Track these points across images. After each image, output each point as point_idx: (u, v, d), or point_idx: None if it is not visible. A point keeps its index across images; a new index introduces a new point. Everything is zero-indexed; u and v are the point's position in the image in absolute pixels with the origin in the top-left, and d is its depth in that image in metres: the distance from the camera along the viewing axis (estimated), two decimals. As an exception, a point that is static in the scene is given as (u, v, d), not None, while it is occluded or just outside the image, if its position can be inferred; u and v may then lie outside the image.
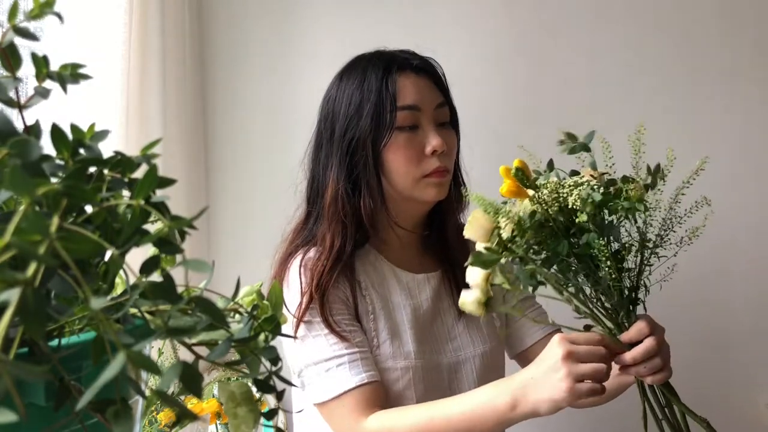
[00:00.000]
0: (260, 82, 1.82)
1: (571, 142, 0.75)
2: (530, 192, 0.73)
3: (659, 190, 0.73)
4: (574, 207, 0.70)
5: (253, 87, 1.82)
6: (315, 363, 0.92)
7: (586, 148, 0.75)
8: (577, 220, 0.71)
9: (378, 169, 0.97)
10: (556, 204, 0.71)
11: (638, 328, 0.75)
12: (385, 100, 0.95)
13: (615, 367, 0.85)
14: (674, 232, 0.74)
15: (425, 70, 1.00)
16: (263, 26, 1.84)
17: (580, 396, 0.72)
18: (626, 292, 0.75)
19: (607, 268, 0.71)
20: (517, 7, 1.78)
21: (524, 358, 1.07)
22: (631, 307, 0.76)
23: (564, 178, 0.75)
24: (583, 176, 0.74)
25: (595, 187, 0.71)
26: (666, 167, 0.75)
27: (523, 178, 0.73)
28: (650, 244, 0.74)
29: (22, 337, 0.29)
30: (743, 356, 1.72)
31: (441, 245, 1.07)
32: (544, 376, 0.74)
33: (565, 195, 0.71)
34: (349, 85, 0.99)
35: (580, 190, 0.70)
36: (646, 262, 0.75)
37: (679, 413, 0.78)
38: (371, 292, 0.99)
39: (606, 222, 0.72)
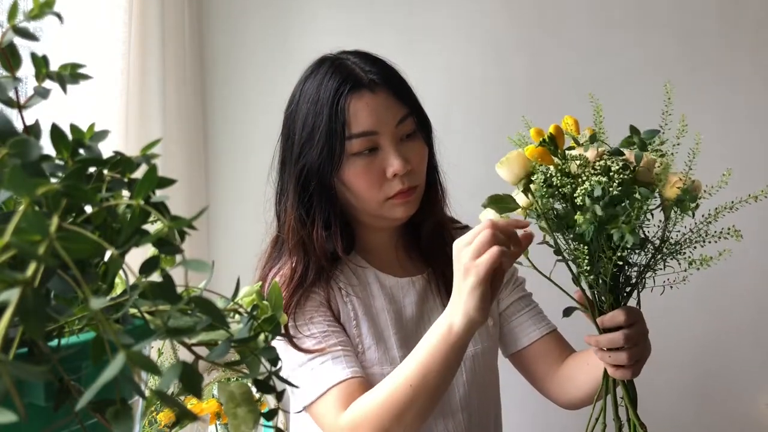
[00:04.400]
0: (260, 82, 1.82)
1: (631, 138, 0.75)
2: (556, 160, 0.73)
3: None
4: (579, 199, 0.70)
5: (253, 87, 1.82)
6: (300, 365, 0.90)
7: (644, 146, 0.74)
8: (577, 217, 0.71)
9: (333, 198, 0.94)
10: (568, 185, 0.71)
11: (613, 315, 0.76)
12: (335, 127, 0.89)
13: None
14: (694, 248, 0.74)
15: (382, 83, 0.92)
16: (263, 26, 1.84)
17: (487, 270, 0.71)
18: (619, 282, 0.75)
19: (605, 257, 0.71)
20: (516, 7, 1.78)
21: (519, 358, 1.06)
22: (619, 298, 0.76)
23: (604, 155, 0.74)
24: (621, 159, 0.73)
25: (615, 177, 0.70)
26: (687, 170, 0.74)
27: (553, 146, 0.73)
28: (655, 253, 0.74)
29: (22, 337, 0.29)
30: (743, 356, 1.72)
31: (422, 247, 1.05)
32: (458, 285, 0.75)
33: (582, 179, 0.70)
34: (305, 100, 0.94)
35: (591, 182, 0.69)
36: (651, 265, 0.74)
37: (631, 414, 0.78)
38: (353, 298, 0.97)
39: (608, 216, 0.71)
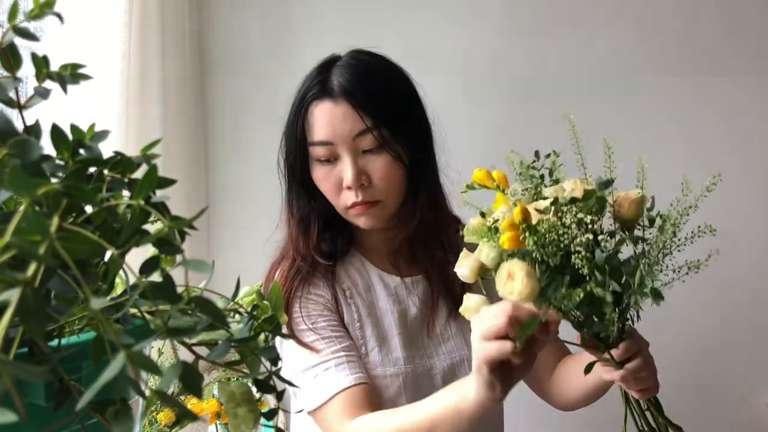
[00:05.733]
0: (260, 82, 1.82)
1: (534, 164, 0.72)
2: (530, 241, 0.65)
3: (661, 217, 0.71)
4: (576, 264, 0.65)
5: (253, 87, 1.82)
6: (303, 370, 0.91)
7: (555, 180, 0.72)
8: (588, 287, 0.65)
9: (317, 197, 0.96)
10: (558, 252, 0.65)
11: (626, 347, 0.75)
12: (299, 131, 0.92)
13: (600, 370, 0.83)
14: (673, 256, 0.69)
15: (345, 94, 0.89)
16: (263, 26, 1.84)
17: (488, 360, 0.66)
18: (617, 322, 0.73)
19: (610, 321, 0.68)
20: (517, 7, 1.78)
21: None
22: (621, 327, 0.74)
23: (561, 207, 0.68)
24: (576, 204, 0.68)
25: (597, 236, 0.65)
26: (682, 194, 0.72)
27: (530, 227, 0.66)
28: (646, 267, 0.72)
29: (22, 337, 0.29)
30: (743, 356, 1.72)
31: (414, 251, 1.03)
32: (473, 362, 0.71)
33: (567, 243, 0.64)
34: (294, 100, 0.96)
35: (581, 241, 0.63)
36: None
37: (661, 426, 0.78)
38: (357, 300, 0.97)
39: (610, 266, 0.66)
